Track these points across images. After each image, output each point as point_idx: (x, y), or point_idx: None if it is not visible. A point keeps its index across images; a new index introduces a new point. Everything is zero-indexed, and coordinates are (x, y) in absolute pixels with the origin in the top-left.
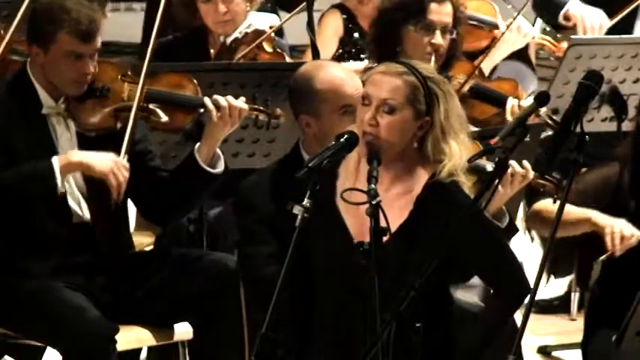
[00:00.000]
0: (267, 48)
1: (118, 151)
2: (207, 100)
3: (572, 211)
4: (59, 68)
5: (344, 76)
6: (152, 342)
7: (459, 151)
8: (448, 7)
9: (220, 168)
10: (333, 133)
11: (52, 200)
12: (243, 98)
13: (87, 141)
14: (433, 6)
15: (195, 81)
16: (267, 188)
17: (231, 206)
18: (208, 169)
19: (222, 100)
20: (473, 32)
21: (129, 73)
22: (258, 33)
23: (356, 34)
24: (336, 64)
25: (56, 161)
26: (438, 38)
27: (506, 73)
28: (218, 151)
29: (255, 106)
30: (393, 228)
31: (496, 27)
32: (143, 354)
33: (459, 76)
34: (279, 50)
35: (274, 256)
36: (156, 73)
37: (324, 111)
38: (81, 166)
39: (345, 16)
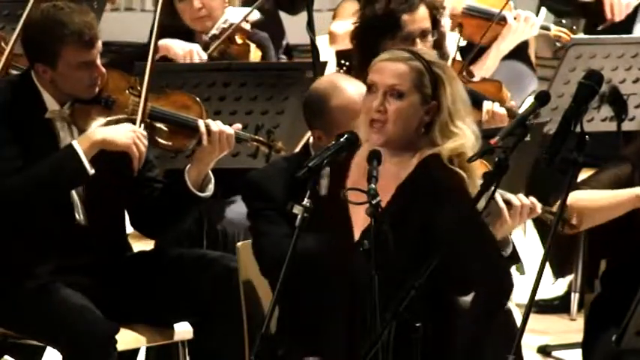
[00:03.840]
0: (238, 40)
1: (119, 160)
2: (200, 123)
3: (614, 193)
4: (72, 80)
5: (359, 97)
6: (152, 342)
7: (469, 133)
8: (422, 12)
9: (209, 192)
10: None
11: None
12: (238, 125)
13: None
14: (405, 17)
15: (200, 102)
16: (278, 180)
17: (231, 205)
18: (196, 192)
19: (213, 125)
20: (488, 26)
21: (137, 86)
22: (234, 28)
23: None
24: (352, 82)
25: (77, 146)
26: (418, 47)
27: (506, 73)
28: (210, 173)
29: (257, 138)
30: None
31: (504, 19)
32: (143, 354)
33: None
34: (248, 42)
35: (289, 236)
36: (164, 91)
37: (338, 129)
38: (104, 143)
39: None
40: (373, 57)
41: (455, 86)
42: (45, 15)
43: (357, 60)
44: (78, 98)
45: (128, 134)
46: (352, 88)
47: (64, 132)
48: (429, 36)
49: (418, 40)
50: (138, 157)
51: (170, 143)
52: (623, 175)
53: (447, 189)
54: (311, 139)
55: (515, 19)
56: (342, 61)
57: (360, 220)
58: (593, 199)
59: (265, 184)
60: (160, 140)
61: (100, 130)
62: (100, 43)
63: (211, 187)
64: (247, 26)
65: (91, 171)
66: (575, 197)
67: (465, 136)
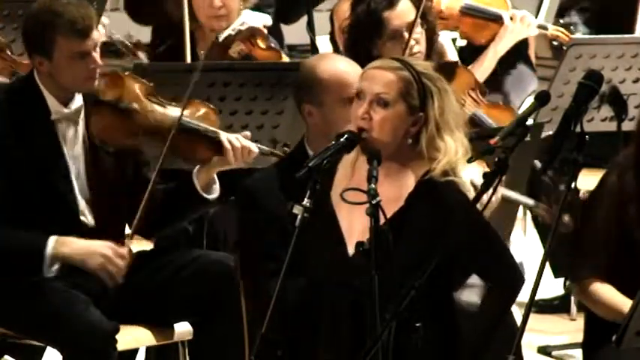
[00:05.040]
0: (262, 44)
1: (125, 164)
2: (223, 138)
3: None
4: (68, 71)
5: (347, 66)
6: (153, 341)
7: (454, 147)
8: (403, 6)
9: (215, 193)
10: (335, 122)
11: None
12: (254, 148)
13: (99, 152)
14: (387, 14)
15: (215, 113)
16: (272, 186)
17: (231, 205)
18: (204, 194)
19: (235, 141)
20: (485, 26)
21: (156, 95)
22: (253, 31)
23: None
24: (339, 55)
25: (50, 246)
26: (410, 42)
27: (506, 73)
28: (214, 176)
29: (276, 152)
30: (382, 222)
31: (501, 18)
32: (142, 354)
33: (462, 98)
34: (272, 45)
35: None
36: (181, 98)
37: (327, 100)
38: (72, 260)
39: None
40: (368, 61)
41: (445, 99)
42: (41, 6)
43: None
44: (79, 92)
45: (98, 259)
46: (340, 58)
47: (70, 132)
48: (418, 28)
49: (406, 35)
50: (109, 280)
51: (194, 155)
52: (612, 195)
53: (453, 201)
54: (305, 134)
55: (511, 19)
56: None
57: (351, 223)
58: (606, 308)
59: (259, 192)
60: (184, 151)
61: (76, 247)
62: (96, 35)
63: (216, 187)
64: (265, 30)
65: (49, 274)
66: (595, 296)
67: (450, 151)
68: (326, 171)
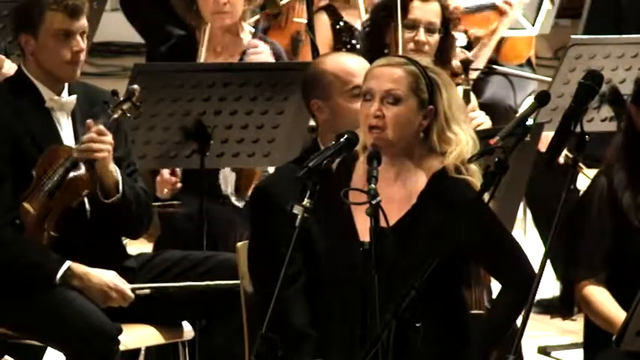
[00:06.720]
0: None
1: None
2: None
3: (608, 317)
4: (51, 50)
5: (351, 58)
6: (160, 340)
7: (464, 138)
8: (433, 5)
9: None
10: (344, 115)
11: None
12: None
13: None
14: (416, 3)
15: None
16: (287, 185)
17: (231, 205)
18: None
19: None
20: (487, 18)
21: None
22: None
23: (344, 33)
24: (348, 53)
25: (60, 275)
26: (421, 35)
27: (502, 80)
28: (115, 174)
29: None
30: (393, 223)
31: (496, 7)
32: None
33: None
34: None
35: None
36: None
37: (333, 92)
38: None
39: (332, 20)
40: (380, 43)
41: (450, 91)
42: None
43: (363, 46)
44: (62, 80)
45: (102, 292)
46: (344, 53)
47: (64, 119)
48: (435, 33)
49: (422, 30)
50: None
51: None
52: (603, 192)
53: (466, 200)
54: (318, 132)
55: (509, 4)
56: None
57: (366, 222)
58: (596, 312)
59: (274, 193)
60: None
61: (83, 285)
62: (84, 22)
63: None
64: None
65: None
66: (588, 300)
67: (461, 141)
68: (344, 173)
